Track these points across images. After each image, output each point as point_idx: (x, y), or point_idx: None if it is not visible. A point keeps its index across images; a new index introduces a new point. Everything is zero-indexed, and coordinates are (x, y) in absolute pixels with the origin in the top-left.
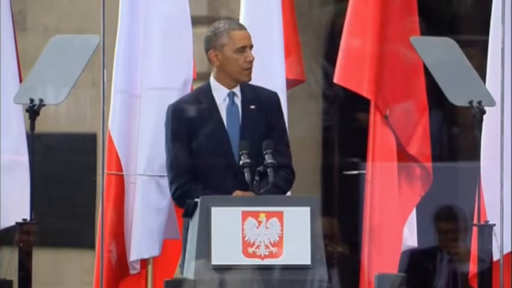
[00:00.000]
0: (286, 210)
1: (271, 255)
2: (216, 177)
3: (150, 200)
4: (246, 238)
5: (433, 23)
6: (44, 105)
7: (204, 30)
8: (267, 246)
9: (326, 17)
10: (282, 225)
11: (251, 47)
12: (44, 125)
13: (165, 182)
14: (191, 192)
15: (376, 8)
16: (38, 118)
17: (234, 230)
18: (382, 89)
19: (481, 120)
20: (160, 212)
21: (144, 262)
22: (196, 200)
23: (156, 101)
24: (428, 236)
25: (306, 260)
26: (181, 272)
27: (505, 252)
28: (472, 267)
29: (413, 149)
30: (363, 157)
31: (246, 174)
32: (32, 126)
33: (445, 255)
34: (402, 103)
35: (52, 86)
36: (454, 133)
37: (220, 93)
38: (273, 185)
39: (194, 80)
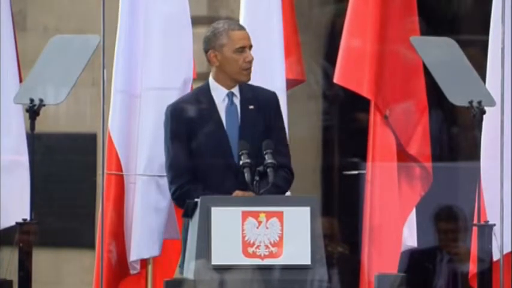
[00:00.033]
0: (286, 210)
1: (271, 255)
2: (215, 177)
3: (150, 200)
4: (246, 238)
5: (433, 23)
6: (44, 105)
7: (204, 30)
8: (267, 246)
9: (326, 17)
10: (282, 225)
11: (250, 47)
12: (44, 125)
13: (164, 182)
14: (191, 193)
15: (376, 8)
16: (38, 118)
17: (234, 230)
18: (382, 89)
19: (481, 120)
20: (160, 212)
21: (144, 262)
22: (196, 200)
23: (156, 101)
24: (428, 236)
25: (306, 260)
26: (181, 272)
27: (505, 252)
28: (472, 267)
29: (413, 149)
30: (363, 157)
31: (246, 174)
32: (32, 126)
33: (445, 255)
34: (402, 103)
35: (52, 86)
36: (454, 133)
37: (219, 94)
38: (273, 184)
39: (194, 80)
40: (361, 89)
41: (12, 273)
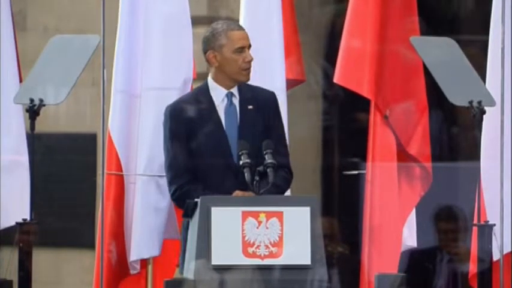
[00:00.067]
0: (286, 210)
1: (271, 255)
2: (214, 177)
3: (149, 200)
4: (246, 238)
5: (433, 23)
6: (44, 105)
7: (204, 30)
8: (267, 246)
9: (326, 17)
10: (282, 225)
11: (249, 47)
12: (44, 125)
13: (164, 182)
14: (191, 193)
15: (376, 8)
16: (38, 118)
17: (234, 230)
18: (382, 89)
19: (481, 120)
20: (160, 212)
21: (144, 262)
22: (196, 200)
23: (156, 101)
24: (428, 236)
25: (306, 260)
26: (180, 272)
27: (505, 252)
28: (472, 267)
29: (413, 149)
30: (363, 157)
31: (246, 174)
32: (32, 126)
33: (445, 255)
34: (402, 103)
35: (52, 86)
36: (454, 133)
37: (218, 94)
38: (273, 184)
39: (194, 79)
40: (361, 89)
41: (12, 273)
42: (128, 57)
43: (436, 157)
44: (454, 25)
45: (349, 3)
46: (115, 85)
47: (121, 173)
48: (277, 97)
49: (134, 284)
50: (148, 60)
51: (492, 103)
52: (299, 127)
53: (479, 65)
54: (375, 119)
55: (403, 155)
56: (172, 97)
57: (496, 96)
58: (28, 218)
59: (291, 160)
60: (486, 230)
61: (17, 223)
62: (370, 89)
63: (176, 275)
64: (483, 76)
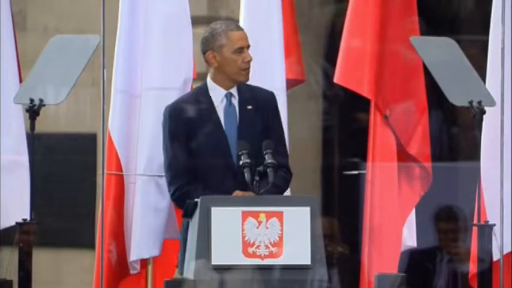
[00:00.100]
0: (286, 210)
1: (271, 255)
2: (214, 178)
3: (149, 200)
4: (246, 238)
5: (433, 23)
6: (44, 105)
7: (204, 30)
8: (267, 246)
9: (326, 17)
10: (282, 225)
11: (248, 47)
12: (44, 125)
13: (164, 182)
14: (190, 193)
15: (376, 8)
16: (38, 118)
17: (234, 230)
18: (382, 89)
19: (481, 120)
20: (160, 212)
21: (144, 262)
22: (196, 200)
23: (156, 101)
24: (428, 236)
25: (306, 260)
26: (180, 273)
27: (505, 252)
28: (472, 267)
29: (413, 149)
30: (363, 157)
31: (246, 174)
32: (32, 126)
33: (445, 255)
34: (402, 103)
35: (52, 86)
36: (454, 133)
37: (217, 94)
38: (272, 184)
39: (194, 79)
40: (361, 89)
41: (12, 273)
42: (128, 57)
43: (436, 157)
44: (454, 25)
45: (349, 3)
46: (115, 85)
47: (121, 173)
48: (277, 97)
49: (134, 284)
50: (148, 60)
51: (492, 103)
52: (299, 127)
53: (479, 65)
54: (375, 119)
55: (403, 155)
56: (172, 97)
57: (496, 96)
58: (28, 218)
59: (291, 160)
60: (486, 230)
61: (17, 223)
62: (370, 89)
63: (176, 275)
64: (483, 76)
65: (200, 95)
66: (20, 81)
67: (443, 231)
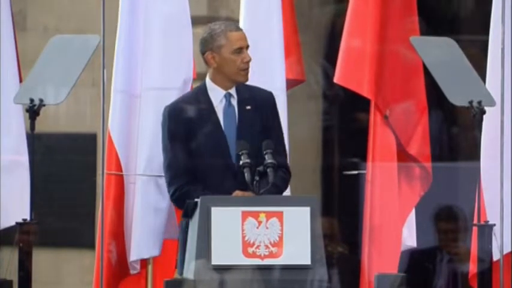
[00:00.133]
0: (286, 210)
1: (271, 255)
2: (213, 178)
3: (149, 200)
4: (246, 238)
5: (433, 23)
6: (44, 105)
7: (204, 31)
8: (267, 246)
9: (326, 17)
10: (282, 225)
11: (247, 47)
12: (44, 125)
13: (164, 182)
14: (190, 193)
15: (376, 8)
16: (38, 118)
17: (234, 230)
18: (382, 89)
19: (481, 120)
20: (160, 212)
21: (144, 262)
22: (196, 200)
23: (156, 101)
24: (428, 236)
25: (306, 260)
26: (179, 273)
27: (505, 252)
28: (472, 267)
29: (413, 149)
30: (363, 157)
31: (246, 174)
32: (32, 126)
33: (445, 255)
34: (402, 103)
35: (52, 86)
36: (454, 133)
37: (216, 95)
38: (272, 184)
39: (194, 79)
40: (361, 89)
41: (12, 273)
42: (128, 57)
43: (436, 157)
44: (454, 25)
45: (349, 3)
46: (115, 85)
47: (121, 173)
48: (277, 97)
49: (134, 284)
50: (148, 60)
51: (492, 103)
52: (299, 127)
53: (479, 65)
54: (375, 119)
55: (403, 155)
56: (172, 97)
57: (496, 96)
58: (28, 218)
59: (291, 160)
60: (486, 230)
61: (17, 223)
62: (370, 89)
63: (176, 275)
64: (483, 76)
65: (199, 96)
66: (20, 81)
67: (443, 231)
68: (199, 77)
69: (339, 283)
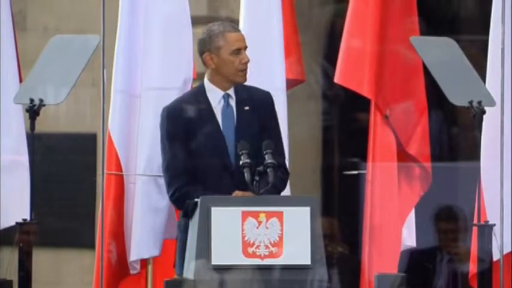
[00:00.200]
0: (286, 210)
1: (271, 255)
2: (212, 178)
3: (149, 200)
4: (246, 238)
5: (433, 23)
6: (44, 105)
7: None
8: (267, 246)
9: (326, 17)
10: (282, 225)
11: (245, 48)
12: (44, 125)
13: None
14: (190, 194)
15: (376, 8)
16: (38, 118)
17: (234, 230)
18: (382, 88)
19: (481, 120)
20: (160, 212)
21: (144, 262)
22: (196, 200)
23: (156, 101)
24: (428, 236)
25: (306, 260)
26: (177, 273)
27: (505, 252)
28: (472, 267)
29: (412, 149)
30: (363, 157)
31: (246, 174)
32: (32, 126)
33: (445, 255)
34: (402, 103)
35: (52, 86)
36: (454, 133)
37: (215, 95)
38: (272, 185)
39: (194, 79)
40: (362, 88)
41: (12, 273)
42: (128, 57)
43: (436, 157)
44: (454, 25)
45: (349, 3)
46: (115, 85)
47: (121, 173)
48: (277, 97)
49: (134, 284)
50: (148, 60)
51: (492, 103)
52: (299, 127)
53: (479, 65)
54: (375, 118)
55: (403, 155)
56: (172, 97)
57: (496, 96)
58: (28, 218)
59: (291, 160)
60: (486, 230)
61: (17, 223)
62: (370, 88)
63: (175, 275)
64: (483, 76)
65: (198, 96)
66: (20, 81)
67: (443, 231)
68: (199, 77)
69: (339, 283)
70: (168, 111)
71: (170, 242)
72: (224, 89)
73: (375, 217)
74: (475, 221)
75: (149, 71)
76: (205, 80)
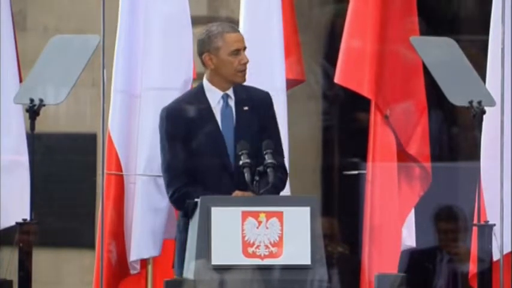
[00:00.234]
0: (286, 210)
1: (271, 255)
2: (211, 179)
3: (149, 200)
4: (246, 238)
5: (433, 23)
6: (44, 105)
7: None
8: (266, 246)
9: (326, 17)
10: (282, 225)
11: (245, 49)
12: (44, 125)
13: None
14: (190, 194)
15: (376, 9)
16: (38, 118)
17: (234, 230)
18: (382, 88)
19: (481, 120)
20: (160, 212)
21: (144, 262)
22: (196, 200)
23: (156, 101)
24: (427, 236)
25: (306, 260)
26: (176, 273)
27: (505, 252)
28: (472, 267)
29: (412, 149)
30: (363, 157)
31: (246, 174)
32: (32, 126)
33: (445, 255)
34: (402, 103)
35: (52, 86)
36: (454, 133)
37: (214, 96)
38: (272, 185)
39: (194, 79)
40: (362, 88)
41: (12, 273)
42: (128, 57)
43: (436, 157)
44: (454, 25)
45: (349, 3)
46: (115, 85)
47: (121, 173)
48: (278, 97)
49: (134, 284)
50: (148, 60)
51: (492, 103)
52: (299, 127)
53: (479, 65)
54: (375, 118)
55: (403, 155)
56: (172, 97)
57: (496, 96)
58: (28, 218)
59: (291, 160)
60: (486, 230)
61: (17, 223)
62: (370, 88)
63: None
64: (483, 76)
65: (197, 97)
66: (20, 81)
67: (443, 231)
68: (200, 77)
69: (339, 283)
70: (167, 111)
71: (170, 242)
72: (223, 89)
73: (375, 217)
74: (475, 221)
75: (149, 71)
76: (205, 81)
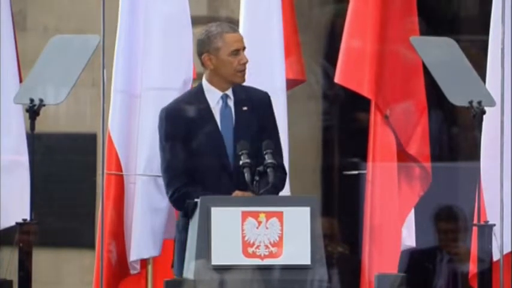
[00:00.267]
0: (286, 210)
1: (271, 255)
2: (211, 179)
3: (149, 200)
4: (246, 238)
5: (433, 23)
6: (44, 105)
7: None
8: (266, 246)
9: (326, 17)
10: (281, 225)
11: (244, 49)
12: (44, 125)
13: None
14: (189, 194)
15: (376, 9)
16: (38, 118)
17: (234, 230)
18: (382, 88)
19: (481, 120)
20: (160, 212)
21: (144, 262)
22: (196, 200)
23: (156, 101)
24: (427, 236)
25: (306, 260)
26: (176, 273)
27: (505, 252)
28: (472, 267)
29: (412, 149)
30: (363, 157)
31: (246, 174)
32: (32, 126)
33: (445, 255)
34: (402, 103)
35: (52, 86)
36: (454, 133)
37: (213, 96)
38: (272, 185)
39: (194, 79)
40: (362, 88)
41: (12, 273)
42: (128, 57)
43: (436, 157)
44: (454, 25)
45: (349, 3)
46: (115, 85)
47: (121, 173)
48: (278, 97)
49: (134, 284)
50: (148, 60)
51: (492, 103)
52: (299, 127)
53: (479, 65)
54: (375, 118)
55: (403, 155)
56: (172, 97)
57: (496, 96)
58: (28, 218)
59: (291, 160)
60: (486, 230)
61: (17, 223)
62: (370, 88)
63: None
64: (483, 76)
65: (196, 97)
66: (20, 81)
67: (443, 231)
68: (199, 77)
69: (339, 283)
70: (167, 112)
71: (170, 242)
72: (223, 89)
73: (375, 217)
74: (475, 221)
75: (149, 71)
76: (204, 81)
